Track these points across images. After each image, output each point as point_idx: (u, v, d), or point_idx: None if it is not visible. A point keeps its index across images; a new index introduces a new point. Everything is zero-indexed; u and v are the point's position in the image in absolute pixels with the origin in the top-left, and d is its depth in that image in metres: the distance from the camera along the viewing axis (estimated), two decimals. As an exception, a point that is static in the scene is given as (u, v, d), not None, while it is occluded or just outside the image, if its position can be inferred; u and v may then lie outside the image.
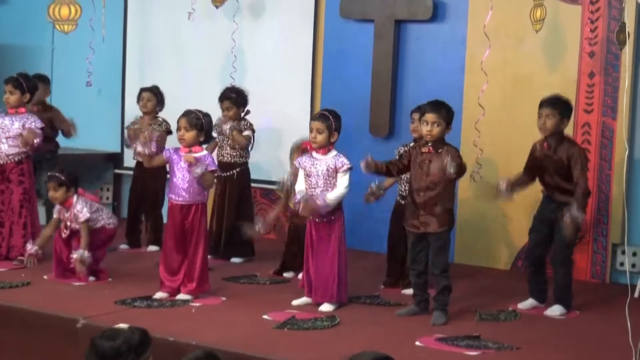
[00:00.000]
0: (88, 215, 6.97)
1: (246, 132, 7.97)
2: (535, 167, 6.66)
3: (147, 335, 3.99)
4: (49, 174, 7.27)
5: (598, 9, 7.66)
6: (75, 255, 6.86)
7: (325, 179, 6.40)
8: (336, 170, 6.40)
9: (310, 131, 6.48)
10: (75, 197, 7.03)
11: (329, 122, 6.45)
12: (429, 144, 6.23)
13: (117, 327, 3.96)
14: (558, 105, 6.54)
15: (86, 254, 6.85)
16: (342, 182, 6.40)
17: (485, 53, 7.27)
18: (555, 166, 6.52)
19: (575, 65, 7.78)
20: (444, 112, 6.20)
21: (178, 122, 6.65)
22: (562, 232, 6.39)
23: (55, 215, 7.20)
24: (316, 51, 8.98)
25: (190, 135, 6.53)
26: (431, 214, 6.20)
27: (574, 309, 6.64)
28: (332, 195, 6.35)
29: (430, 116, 6.18)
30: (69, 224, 7.05)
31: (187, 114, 6.62)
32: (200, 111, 6.66)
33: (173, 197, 6.60)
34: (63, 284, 6.96)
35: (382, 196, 6.85)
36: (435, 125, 6.16)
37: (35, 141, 7.47)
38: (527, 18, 7.36)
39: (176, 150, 6.63)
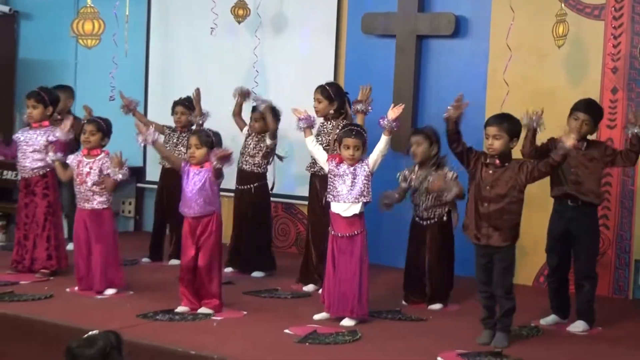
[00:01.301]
0: (119, 176, 7.00)
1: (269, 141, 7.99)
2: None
3: (119, 335, 3.96)
4: (88, 118, 7.29)
5: (621, 24, 7.66)
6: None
7: (351, 180, 6.42)
8: (368, 165, 6.43)
9: (347, 148, 6.46)
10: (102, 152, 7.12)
11: (364, 138, 6.50)
12: (495, 158, 6.04)
13: (89, 335, 3.93)
14: (595, 113, 6.58)
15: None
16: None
17: (506, 64, 7.25)
18: (582, 160, 6.47)
19: (598, 80, 7.77)
20: (506, 124, 6.02)
21: (188, 140, 6.73)
22: (582, 245, 6.38)
23: (70, 166, 7.17)
24: (338, 66, 9.01)
25: (200, 152, 6.60)
26: (494, 227, 6.05)
27: (596, 325, 6.61)
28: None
29: (491, 129, 6.04)
30: (85, 174, 7.05)
31: (198, 132, 6.76)
32: (210, 130, 6.77)
33: (185, 210, 6.64)
34: (85, 296, 6.98)
35: (397, 201, 6.91)
36: (497, 138, 6.02)
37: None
38: (549, 34, 7.36)
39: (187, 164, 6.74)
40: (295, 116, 6.81)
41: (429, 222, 7.07)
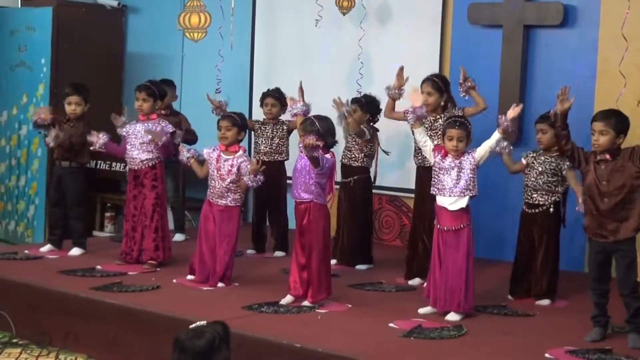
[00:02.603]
0: (256, 183, 7.06)
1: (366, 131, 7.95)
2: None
3: (227, 326, 3.96)
4: (222, 115, 7.39)
5: None
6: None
7: (457, 174, 6.35)
8: (474, 159, 6.37)
9: (450, 139, 6.41)
10: (240, 148, 7.17)
11: (468, 129, 6.43)
12: (605, 153, 5.90)
13: (197, 325, 3.93)
14: None
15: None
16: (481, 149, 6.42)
17: (622, 56, 7.07)
18: None
19: None
20: (614, 120, 5.88)
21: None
22: None
23: (207, 161, 7.17)
24: (443, 57, 8.92)
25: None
26: (619, 220, 5.87)
27: None
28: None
29: (597, 124, 5.91)
30: (226, 172, 7.07)
31: (303, 122, 6.69)
32: (316, 116, 6.63)
33: (293, 194, 6.63)
34: (191, 288, 7.06)
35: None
36: (603, 134, 5.88)
37: (163, 139, 7.55)
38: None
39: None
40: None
41: (537, 210, 6.94)
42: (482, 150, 6.39)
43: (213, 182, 7.12)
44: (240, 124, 7.19)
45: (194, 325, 3.95)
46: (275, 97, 8.48)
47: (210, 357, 3.84)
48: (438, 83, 7.47)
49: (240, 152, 7.13)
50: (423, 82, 7.49)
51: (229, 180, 7.06)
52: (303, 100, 7.74)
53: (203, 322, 3.96)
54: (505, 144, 6.54)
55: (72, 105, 8.01)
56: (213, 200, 7.13)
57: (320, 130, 6.47)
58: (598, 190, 5.90)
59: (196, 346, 3.83)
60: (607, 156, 5.89)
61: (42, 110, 8.13)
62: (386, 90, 7.51)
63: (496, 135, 6.38)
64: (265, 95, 8.57)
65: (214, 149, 7.14)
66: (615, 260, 5.93)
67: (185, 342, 3.85)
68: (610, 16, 7.78)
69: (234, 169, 7.06)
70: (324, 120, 6.59)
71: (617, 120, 5.90)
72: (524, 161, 7.03)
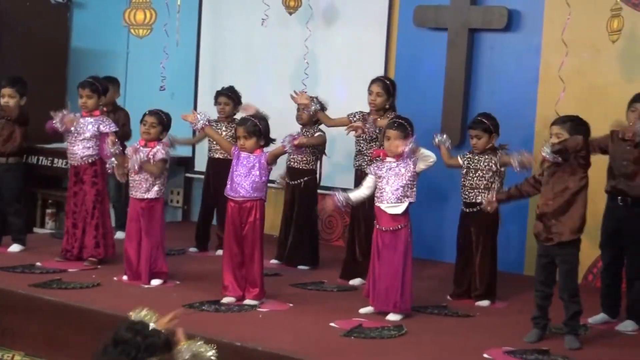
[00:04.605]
0: (162, 154, 7.08)
1: (318, 133, 7.99)
2: (603, 149, 6.56)
3: (170, 342, 3.76)
4: (149, 110, 7.26)
5: (677, 19, 7.53)
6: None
7: (398, 183, 6.38)
8: (414, 164, 6.38)
9: (388, 139, 6.46)
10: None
11: (407, 130, 6.47)
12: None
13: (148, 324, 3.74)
14: None
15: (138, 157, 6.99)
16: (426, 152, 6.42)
17: (561, 61, 7.17)
18: (635, 153, 6.37)
19: (653, 76, 7.64)
20: (570, 124, 5.96)
21: (236, 131, 6.72)
22: (633, 244, 6.30)
23: (127, 155, 7.13)
24: (388, 59, 8.96)
25: (250, 143, 6.58)
26: (561, 222, 5.95)
27: (646, 325, 6.52)
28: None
29: (554, 127, 6.00)
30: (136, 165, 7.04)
31: (244, 122, 6.66)
32: (255, 116, 6.68)
33: (231, 194, 6.63)
34: (132, 286, 7.02)
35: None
36: (559, 137, 5.95)
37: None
38: (603, 28, 7.25)
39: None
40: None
41: (475, 209, 7.00)
42: (421, 163, 6.41)
43: (132, 176, 7.11)
44: (165, 123, 7.18)
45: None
46: (228, 96, 8.47)
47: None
48: (387, 85, 7.52)
49: (158, 146, 7.14)
50: (373, 82, 7.53)
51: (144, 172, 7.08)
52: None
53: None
54: (444, 137, 6.63)
55: (5, 98, 7.93)
56: (132, 194, 7.13)
57: (262, 130, 6.54)
58: (545, 193, 6.01)
59: (119, 334, 3.58)
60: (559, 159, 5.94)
61: None
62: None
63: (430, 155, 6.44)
64: (218, 94, 8.57)
65: (133, 145, 7.15)
66: (557, 265, 6.01)
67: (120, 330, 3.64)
68: (553, 22, 7.87)
69: (151, 159, 7.07)
70: (264, 120, 6.67)
71: (574, 124, 5.98)
72: (460, 161, 7.09)
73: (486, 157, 6.99)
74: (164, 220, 7.29)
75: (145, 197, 7.08)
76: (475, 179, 6.99)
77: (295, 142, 6.49)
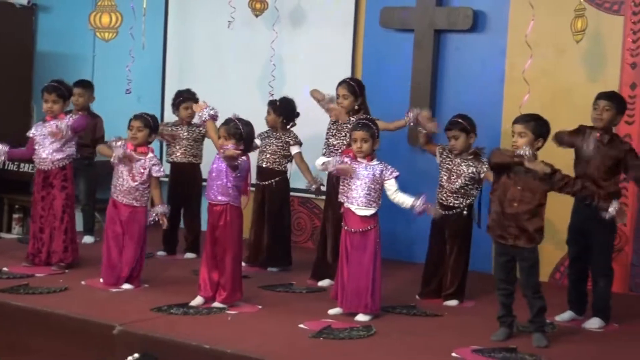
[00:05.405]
0: (162, 173, 7.11)
1: (295, 150, 8.04)
2: (570, 144, 6.62)
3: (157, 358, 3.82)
4: (135, 114, 7.22)
5: (640, 19, 7.61)
6: (158, 210, 7.00)
7: (368, 185, 6.39)
8: (382, 178, 6.39)
9: (355, 141, 6.47)
10: (150, 151, 7.15)
11: (372, 130, 6.47)
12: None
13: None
14: (615, 100, 6.52)
15: (163, 207, 7.04)
16: (394, 187, 6.42)
17: (526, 63, 7.23)
18: (603, 159, 6.44)
19: (617, 76, 7.72)
20: (533, 123, 5.96)
21: (218, 130, 6.66)
22: (598, 241, 6.37)
23: (115, 155, 7.02)
24: (355, 61, 8.99)
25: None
26: (520, 227, 5.95)
27: (612, 322, 6.57)
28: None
29: (517, 126, 5.99)
30: (138, 173, 7.03)
31: (227, 122, 6.60)
32: (240, 120, 6.61)
33: (208, 195, 6.61)
34: (100, 290, 6.99)
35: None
36: (521, 136, 5.95)
37: (65, 132, 7.40)
38: (567, 29, 7.31)
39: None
40: None
41: (450, 212, 7.02)
42: (391, 194, 6.45)
43: (120, 179, 7.06)
44: (152, 126, 7.15)
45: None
46: (188, 98, 8.44)
47: None
48: (354, 86, 7.53)
49: (151, 154, 7.10)
50: (339, 84, 7.54)
51: (139, 181, 7.02)
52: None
53: (136, 355, 3.87)
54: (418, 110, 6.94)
55: None
56: (118, 198, 7.08)
57: (243, 135, 6.49)
58: (508, 194, 5.99)
59: None
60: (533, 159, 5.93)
61: None
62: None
63: (407, 199, 6.43)
64: (178, 95, 8.58)
65: (121, 144, 7.05)
66: (518, 263, 6.04)
67: None
68: (518, 23, 7.93)
69: (146, 172, 7.03)
70: (248, 125, 6.59)
71: (537, 124, 5.99)
72: (438, 157, 7.08)
73: (470, 163, 6.97)
74: (146, 227, 7.22)
75: (135, 204, 7.06)
76: (456, 184, 6.99)
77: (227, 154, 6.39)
